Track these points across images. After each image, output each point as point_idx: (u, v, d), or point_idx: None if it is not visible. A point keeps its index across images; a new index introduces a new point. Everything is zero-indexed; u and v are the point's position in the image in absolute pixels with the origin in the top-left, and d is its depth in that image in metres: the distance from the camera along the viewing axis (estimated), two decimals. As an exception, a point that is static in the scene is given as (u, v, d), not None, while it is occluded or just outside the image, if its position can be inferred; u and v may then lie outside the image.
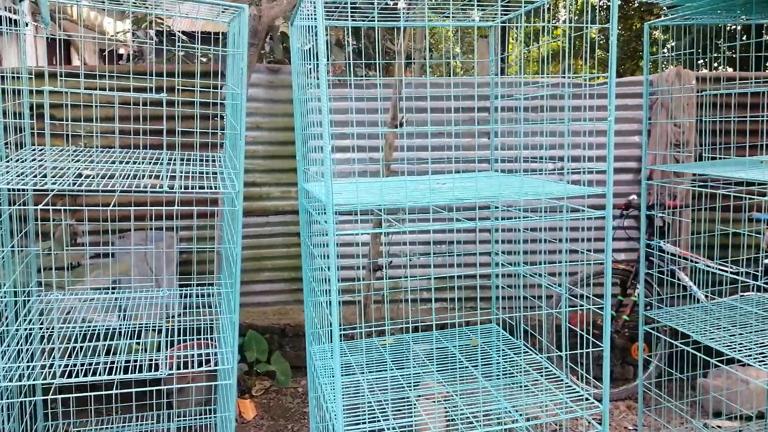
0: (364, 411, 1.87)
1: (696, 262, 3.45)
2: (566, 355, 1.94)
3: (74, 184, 1.93)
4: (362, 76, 4.08)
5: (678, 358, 3.35)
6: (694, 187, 3.73)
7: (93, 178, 2.02)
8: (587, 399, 1.87)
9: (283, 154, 3.91)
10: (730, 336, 2.27)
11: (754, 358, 2.05)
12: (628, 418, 3.43)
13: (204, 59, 4.30)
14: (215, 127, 3.05)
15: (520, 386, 2.04)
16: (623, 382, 3.74)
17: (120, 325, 2.56)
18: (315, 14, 1.43)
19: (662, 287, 3.51)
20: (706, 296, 3.47)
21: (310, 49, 1.92)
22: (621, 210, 3.74)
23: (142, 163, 2.37)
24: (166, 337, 2.52)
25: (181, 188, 2.02)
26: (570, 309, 1.98)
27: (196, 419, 2.99)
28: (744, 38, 7.25)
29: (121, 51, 8.62)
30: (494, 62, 2.37)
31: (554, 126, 2.26)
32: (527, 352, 2.20)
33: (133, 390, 2.18)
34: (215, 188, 1.98)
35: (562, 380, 1.97)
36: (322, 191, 1.67)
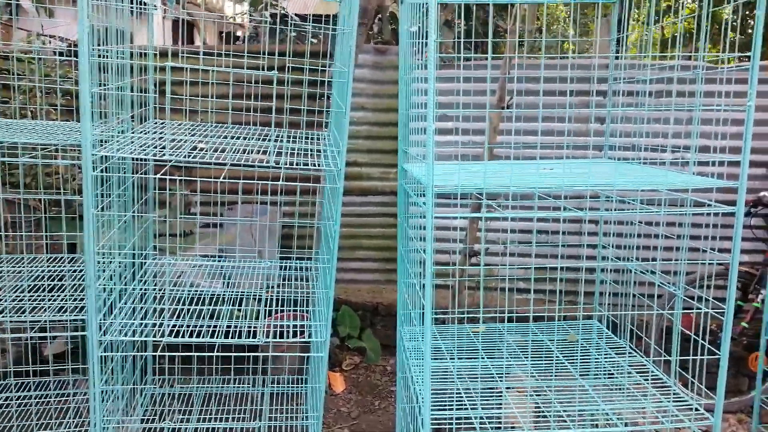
0: (452, 398, 1.84)
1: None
2: (676, 360, 1.80)
3: (189, 156, 2.04)
4: (470, 57, 3.98)
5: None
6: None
7: (206, 151, 2.12)
8: (696, 409, 1.72)
9: (385, 135, 3.92)
10: None
11: None
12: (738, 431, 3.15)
13: (314, 40, 4.40)
14: (322, 107, 3.11)
15: (621, 388, 1.92)
16: (735, 393, 3.43)
17: (224, 291, 2.70)
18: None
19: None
20: None
21: (418, 29, 1.88)
22: (749, 207, 3.40)
23: (252, 139, 2.47)
24: (265, 306, 2.63)
25: (285, 164, 2.08)
26: (685, 311, 1.83)
27: (288, 387, 3.10)
28: None
29: (239, 32, 9.04)
30: (613, 42, 2.21)
31: (682, 112, 2.06)
32: (632, 353, 2.06)
33: (232, 354, 2.29)
34: (318, 166, 2.01)
35: (669, 387, 1.83)
36: (422, 172, 1.64)
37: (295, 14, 4.62)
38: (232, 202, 3.73)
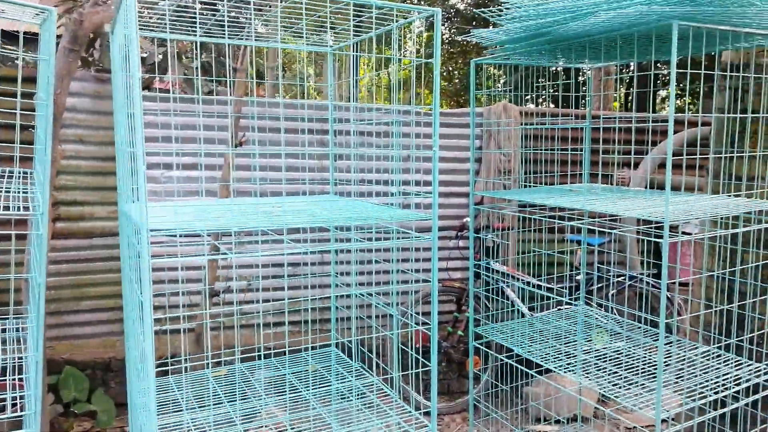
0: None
1: (518, 280, 3.76)
2: (399, 376, 1.97)
3: None
4: (208, 92, 3.91)
5: (509, 369, 3.60)
6: (514, 212, 4.08)
7: None
8: (417, 418, 1.91)
9: (111, 171, 3.59)
10: (545, 347, 2.47)
11: (563, 367, 2.26)
12: (463, 429, 3.60)
13: (28, 64, 3.84)
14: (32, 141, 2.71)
15: (356, 410, 2.04)
16: (460, 395, 3.93)
17: None
18: (130, 21, 1.32)
19: (494, 303, 3.77)
20: (531, 310, 3.80)
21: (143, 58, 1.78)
22: (457, 231, 3.97)
23: None
24: None
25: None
26: (403, 330, 2.03)
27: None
28: (565, 78, 8.18)
29: None
30: (334, 87, 2.39)
31: (384, 151, 2.34)
32: (364, 374, 2.20)
33: None
34: (10, 209, 1.74)
35: (392, 401, 2.00)
36: (137, 212, 1.53)
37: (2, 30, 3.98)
38: None
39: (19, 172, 2.32)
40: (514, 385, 3.67)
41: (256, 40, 2.22)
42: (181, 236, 3.31)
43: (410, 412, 1.96)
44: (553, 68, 7.21)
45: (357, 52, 2.17)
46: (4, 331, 2.41)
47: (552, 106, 8.56)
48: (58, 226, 3.53)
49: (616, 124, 3.71)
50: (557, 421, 3.56)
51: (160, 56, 4.16)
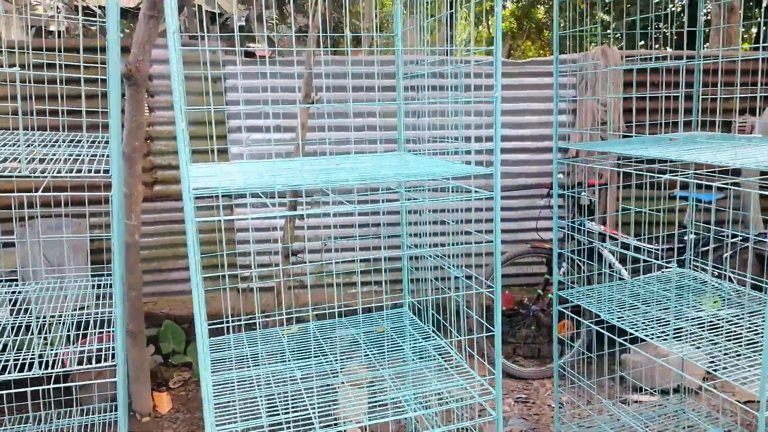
0: (249, 407, 1.76)
1: (616, 240, 3.46)
2: (465, 339, 1.87)
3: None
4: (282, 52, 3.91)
5: (605, 335, 3.36)
6: (612, 166, 3.73)
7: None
8: (481, 384, 1.81)
9: (201, 135, 3.72)
10: (636, 313, 2.25)
11: (652, 336, 2.04)
12: (553, 396, 3.44)
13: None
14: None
15: (417, 372, 1.97)
16: (551, 360, 3.75)
17: (18, 319, 2.39)
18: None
19: (588, 266, 3.51)
20: (632, 273, 3.50)
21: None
22: (548, 189, 3.72)
23: (35, 145, 2.19)
24: (70, 330, 2.37)
25: (49, 172, 1.85)
26: (467, 292, 1.91)
27: (100, 416, 2.83)
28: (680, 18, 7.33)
29: (51, 27, 8.13)
30: (398, 38, 2.26)
31: (442, 101, 2.18)
32: (434, 337, 2.13)
33: (27, 389, 2.01)
34: (88, 172, 1.82)
35: (461, 365, 1.91)
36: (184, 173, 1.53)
37: (98, 6, 4.22)
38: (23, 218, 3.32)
39: (93, 138, 2.44)
40: (608, 351, 3.43)
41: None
42: (255, 197, 3.37)
43: (475, 377, 1.86)
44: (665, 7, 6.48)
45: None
46: (100, 287, 2.60)
47: (664, 49, 7.74)
48: (156, 189, 3.74)
49: (738, 64, 3.24)
50: (660, 392, 3.29)
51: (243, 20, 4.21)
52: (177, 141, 1.36)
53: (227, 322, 2.07)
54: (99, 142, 2.40)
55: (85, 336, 2.50)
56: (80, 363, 2.28)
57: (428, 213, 2.38)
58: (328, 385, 1.93)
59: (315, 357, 2.10)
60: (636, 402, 3.22)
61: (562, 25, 2.25)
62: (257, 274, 3.33)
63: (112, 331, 2.46)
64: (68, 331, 2.46)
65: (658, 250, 3.41)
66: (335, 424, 1.73)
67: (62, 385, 2.69)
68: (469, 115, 3.70)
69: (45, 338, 2.80)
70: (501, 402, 1.77)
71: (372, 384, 1.93)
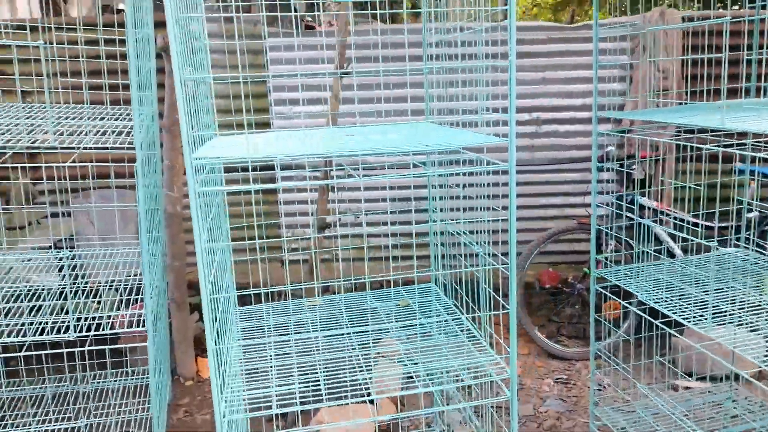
0: (265, 375, 1.79)
1: (669, 216, 3.26)
2: (486, 316, 1.82)
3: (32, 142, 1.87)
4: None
5: (653, 316, 3.21)
6: (669, 138, 3.49)
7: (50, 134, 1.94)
8: (497, 362, 1.76)
9: (238, 108, 3.77)
10: (677, 295, 2.12)
11: (692, 320, 1.91)
12: (596, 377, 3.32)
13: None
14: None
15: (447, 347, 1.94)
16: (597, 340, 3.62)
17: (74, 284, 2.54)
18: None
19: (641, 243, 3.34)
20: (685, 252, 3.30)
21: None
22: (599, 162, 3.54)
23: (100, 118, 2.29)
24: (122, 295, 2.50)
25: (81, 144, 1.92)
26: (486, 267, 1.85)
27: (146, 378, 2.98)
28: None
29: (121, 5, 8.43)
30: (426, 4, 2.18)
31: (468, 66, 2.08)
32: (454, 311, 2.09)
33: (81, 349, 2.15)
34: (108, 143, 1.87)
35: (481, 342, 1.86)
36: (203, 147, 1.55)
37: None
38: (75, 189, 3.50)
39: (119, 110, 2.51)
40: (658, 334, 3.27)
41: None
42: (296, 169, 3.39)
43: (492, 355, 1.81)
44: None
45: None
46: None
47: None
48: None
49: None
50: (711, 378, 3.11)
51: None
52: (179, 110, 1.37)
53: (258, 291, 2.11)
54: (119, 116, 2.47)
55: (135, 302, 2.62)
56: (121, 327, 2.39)
57: (456, 188, 2.31)
58: (361, 356, 1.94)
59: (340, 328, 2.10)
60: (686, 388, 3.06)
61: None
62: (288, 247, 3.38)
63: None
64: (120, 296, 2.59)
65: (713, 227, 3.19)
66: (368, 395, 1.73)
67: (108, 347, 2.85)
68: (496, 85, 3.56)
69: (98, 302, 2.96)
70: (516, 381, 1.72)
71: (394, 358, 1.92)
